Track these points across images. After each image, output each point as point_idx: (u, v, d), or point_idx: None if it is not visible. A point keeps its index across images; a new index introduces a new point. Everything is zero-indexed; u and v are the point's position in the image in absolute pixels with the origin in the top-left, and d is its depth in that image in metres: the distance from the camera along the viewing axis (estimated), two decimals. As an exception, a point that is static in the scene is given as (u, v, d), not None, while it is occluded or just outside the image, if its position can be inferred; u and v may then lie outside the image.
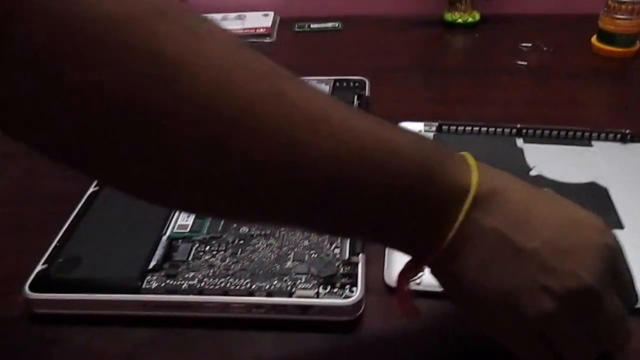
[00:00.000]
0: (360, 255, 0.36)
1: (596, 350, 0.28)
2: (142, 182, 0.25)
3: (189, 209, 0.32)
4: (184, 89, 0.22)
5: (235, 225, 0.39)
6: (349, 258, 0.36)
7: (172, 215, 0.40)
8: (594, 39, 0.68)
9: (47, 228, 0.41)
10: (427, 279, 0.30)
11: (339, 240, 0.38)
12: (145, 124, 0.22)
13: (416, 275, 0.29)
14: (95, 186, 0.44)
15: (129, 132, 0.22)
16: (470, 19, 0.74)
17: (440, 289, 0.29)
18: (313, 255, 0.37)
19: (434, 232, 0.26)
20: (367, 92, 0.55)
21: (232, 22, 0.77)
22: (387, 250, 0.38)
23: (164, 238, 0.38)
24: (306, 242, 0.37)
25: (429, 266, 0.28)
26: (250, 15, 0.79)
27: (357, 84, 0.56)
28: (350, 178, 0.25)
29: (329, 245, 0.37)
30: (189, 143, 0.23)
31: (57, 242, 0.39)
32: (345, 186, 0.25)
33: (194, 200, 0.25)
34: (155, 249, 0.37)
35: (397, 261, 0.36)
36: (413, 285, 0.30)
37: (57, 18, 0.20)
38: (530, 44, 0.69)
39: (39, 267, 0.37)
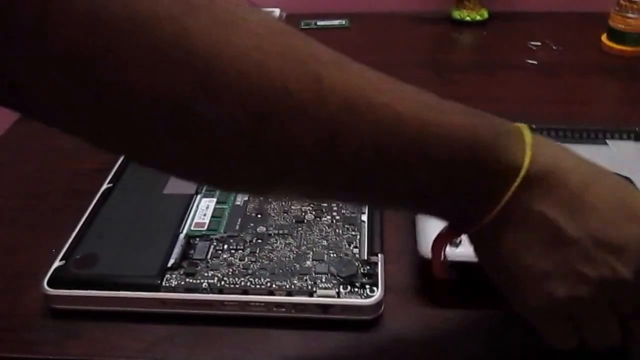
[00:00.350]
0: (379, 255, 0.36)
1: (619, 339, 0.28)
2: (178, 166, 0.25)
3: (225, 188, 0.32)
4: (216, 83, 0.22)
5: (252, 224, 0.39)
6: (368, 258, 0.36)
7: (188, 213, 0.40)
8: (603, 37, 0.68)
9: (61, 224, 0.40)
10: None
11: (357, 240, 0.37)
12: (179, 118, 0.22)
13: (453, 239, 0.29)
14: (108, 183, 0.44)
15: (162, 125, 0.22)
16: (478, 17, 0.74)
17: (471, 259, 0.29)
18: (332, 255, 0.36)
19: (479, 207, 0.26)
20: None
21: (239, 19, 0.76)
22: (418, 222, 0.38)
23: (181, 236, 0.38)
24: (324, 242, 0.37)
25: (468, 235, 0.28)
26: (257, 11, 0.78)
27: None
28: (394, 163, 0.24)
29: (347, 244, 0.37)
30: (224, 133, 0.22)
31: (73, 238, 0.39)
32: (388, 169, 0.25)
33: (232, 180, 0.25)
34: (173, 247, 0.37)
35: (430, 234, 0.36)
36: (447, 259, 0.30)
37: (88, 16, 0.20)
38: (539, 43, 0.69)
39: (56, 264, 0.37)
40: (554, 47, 0.69)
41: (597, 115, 0.56)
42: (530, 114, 0.55)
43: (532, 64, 0.65)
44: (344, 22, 0.76)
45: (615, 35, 0.67)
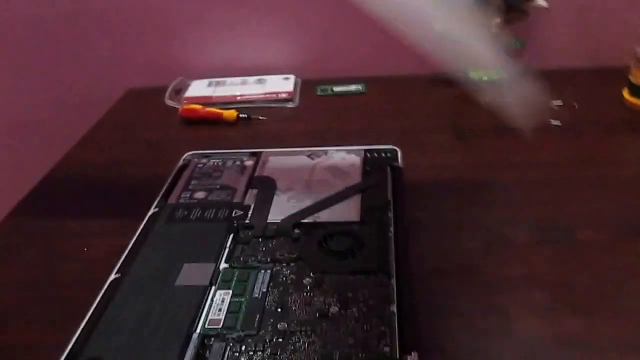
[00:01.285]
0: (413, 353, 0.33)
1: None
2: None
3: None
4: None
5: (272, 319, 0.36)
6: (400, 357, 0.33)
7: (202, 308, 0.37)
8: (625, 92, 0.66)
9: (67, 319, 0.38)
10: None
11: (388, 336, 0.34)
12: None
13: None
14: (117, 273, 0.41)
15: None
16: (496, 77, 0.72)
17: None
18: (361, 355, 0.33)
19: None
20: (400, 163, 0.53)
21: (252, 87, 0.75)
22: None
23: (195, 335, 0.35)
24: (351, 340, 0.34)
25: None
26: (270, 79, 0.77)
27: (388, 155, 0.54)
28: None
29: (377, 342, 0.34)
30: None
31: (78, 339, 0.36)
32: None
33: None
34: (186, 349, 0.34)
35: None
36: None
37: None
38: (561, 102, 0.67)
39: (59, 371, 0.33)
40: (576, 106, 0.66)
41: (628, 176, 0.53)
42: (560, 179, 0.53)
43: (556, 125, 0.63)
44: (360, 88, 0.74)
45: (636, 91, 0.64)
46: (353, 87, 0.74)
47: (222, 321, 0.36)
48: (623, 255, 0.43)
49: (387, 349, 0.33)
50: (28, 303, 0.43)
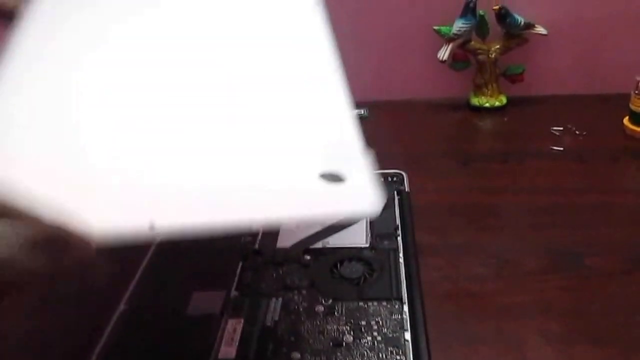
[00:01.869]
0: (430, 382, 0.32)
1: None
2: None
3: None
4: None
5: (285, 349, 0.35)
6: (417, 386, 0.32)
7: (213, 338, 0.36)
8: (625, 120, 0.67)
9: (76, 351, 0.37)
10: None
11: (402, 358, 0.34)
12: None
13: None
14: (125, 304, 0.40)
15: None
16: (497, 103, 0.73)
17: None
18: (378, 386, 0.33)
19: None
20: (406, 187, 0.53)
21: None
22: None
23: (207, 367, 0.34)
24: (368, 370, 0.34)
25: None
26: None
27: (395, 179, 0.54)
28: None
29: (393, 371, 0.33)
30: None
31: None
32: None
33: None
34: (198, 381, 0.33)
35: None
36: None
37: None
38: (561, 128, 0.67)
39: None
40: (577, 132, 0.67)
41: (632, 203, 0.53)
42: (565, 204, 0.53)
43: (558, 150, 0.63)
44: (362, 112, 0.75)
45: (637, 119, 0.65)
46: (355, 112, 0.75)
47: (235, 351, 0.35)
48: (633, 283, 0.43)
49: (403, 378, 0.33)
50: (37, 333, 0.42)
